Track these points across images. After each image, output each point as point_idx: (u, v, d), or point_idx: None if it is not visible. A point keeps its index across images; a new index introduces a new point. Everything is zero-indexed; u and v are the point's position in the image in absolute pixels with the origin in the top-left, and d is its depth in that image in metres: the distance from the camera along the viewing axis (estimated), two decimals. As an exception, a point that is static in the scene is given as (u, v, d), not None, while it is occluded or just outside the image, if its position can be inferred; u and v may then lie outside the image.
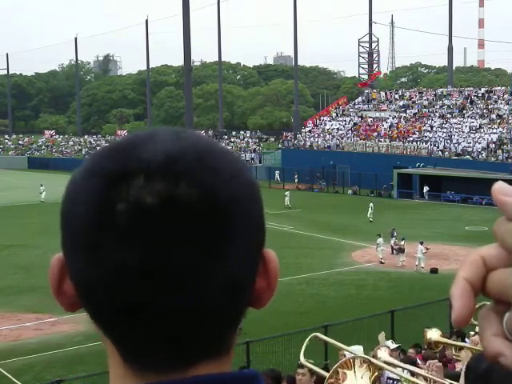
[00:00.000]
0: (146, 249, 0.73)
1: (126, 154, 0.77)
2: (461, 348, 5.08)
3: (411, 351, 11.94)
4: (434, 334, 4.16)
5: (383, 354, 4.17)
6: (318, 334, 3.60)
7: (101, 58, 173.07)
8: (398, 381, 5.22)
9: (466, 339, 9.78)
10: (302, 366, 8.31)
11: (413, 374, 4.33)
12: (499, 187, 0.64)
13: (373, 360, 2.90)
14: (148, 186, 0.74)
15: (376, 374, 2.70)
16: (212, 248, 0.76)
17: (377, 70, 79.53)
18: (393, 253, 29.99)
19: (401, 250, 29.36)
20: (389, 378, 5.81)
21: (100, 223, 0.74)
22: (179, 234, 0.74)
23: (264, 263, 0.84)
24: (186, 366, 0.79)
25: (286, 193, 47.66)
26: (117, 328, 0.78)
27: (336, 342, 3.57)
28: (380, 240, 29.47)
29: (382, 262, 29.37)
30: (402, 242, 29.45)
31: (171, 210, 0.73)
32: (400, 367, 4.38)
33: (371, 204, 40.44)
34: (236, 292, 0.79)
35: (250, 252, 0.80)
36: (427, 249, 28.32)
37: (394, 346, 9.86)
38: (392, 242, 30.17)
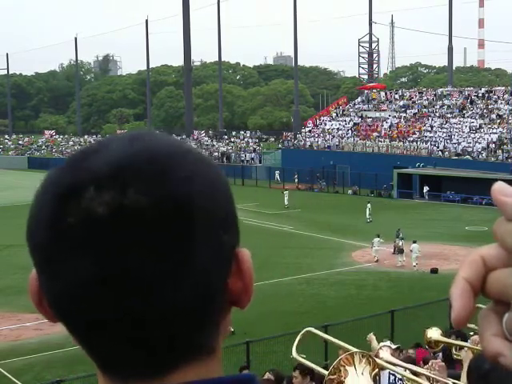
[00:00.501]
0: (99, 258, 0.73)
1: (77, 165, 0.77)
2: (461, 347, 5.08)
3: (411, 352, 11.95)
4: (434, 334, 4.16)
5: (385, 353, 4.17)
6: (312, 329, 3.59)
7: (101, 58, 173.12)
8: (400, 380, 5.23)
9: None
10: (294, 369, 8.38)
11: (416, 373, 4.33)
12: (499, 187, 0.64)
13: (371, 354, 2.89)
14: (97, 196, 0.73)
15: (376, 368, 2.69)
16: (169, 252, 0.74)
17: (377, 70, 79.47)
18: (395, 252, 29.99)
19: (400, 251, 29.38)
20: (391, 373, 5.81)
21: (54, 237, 0.75)
22: (131, 241, 0.73)
23: (237, 264, 0.82)
24: (164, 371, 0.79)
25: (285, 192, 47.66)
26: (86, 339, 0.78)
27: (331, 337, 3.56)
28: (375, 240, 29.48)
29: (376, 261, 29.37)
30: (401, 243, 29.47)
31: (121, 218, 0.73)
32: (402, 367, 4.37)
33: (368, 205, 40.45)
34: (203, 293, 0.78)
35: (216, 253, 0.79)
36: (410, 250, 28.71)
37: (393, 346, 9.86)
38: (397, 241, 30.18)
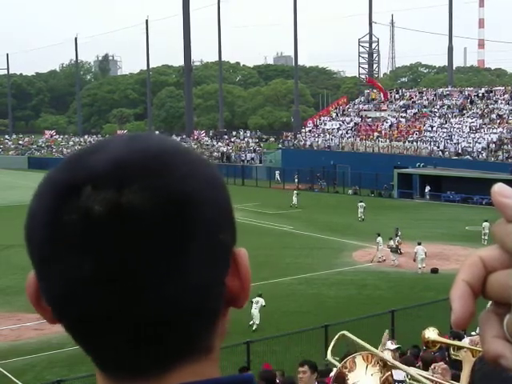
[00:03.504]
0: (95, 257, 0.74)
1: (76, 164, 0.77)
2: (459, 348, 5.07)
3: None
4: (431, 334, 4.15)
5: (387, 357, 4.16)
6: (346, 333, 3.60)
7: (101, 58, 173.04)
8: (403, 382, 5.22)
9: (466, 338, 9.78)
10: (302, 364, 8.32)
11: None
12: (499, 189, 0.64)
13: (389, 363, 2.90)
14: (95, 194, 0.74)
15: (386, 375, 2.70)
16: (166, 250, 0.75)
17: (377, 70, 79.41)
18: (392, 251, 29.96)
19: (395, 250, 29.30)
20: (394, 380, 5.81)
21: (52, 236, 0.75)
22: (128, 240, 0.74)
23: (235, 263, 0.83)
24: (161, 371, 0.79)
25: (295, 192, 47.83)
26: (84, 338, 0.79)
27: (362, 341, 3.56)
28: (380, 239, 29.50)
29: (379, 261, 29.38)
30: (395, 242, 29.41)
31: (118, 216, 0.73)
32: (404, 370, 4.37)
33: (361, 203, 40.52)
34: (200, 292, 0.78)
35: (213, 252, 0.79)
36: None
37: (393, 346, 9.86)
38: (396, 241, 30.15)
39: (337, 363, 3.52)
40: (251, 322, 20.39)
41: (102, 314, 0.75)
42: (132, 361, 0.78)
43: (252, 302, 20.29)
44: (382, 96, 70.73)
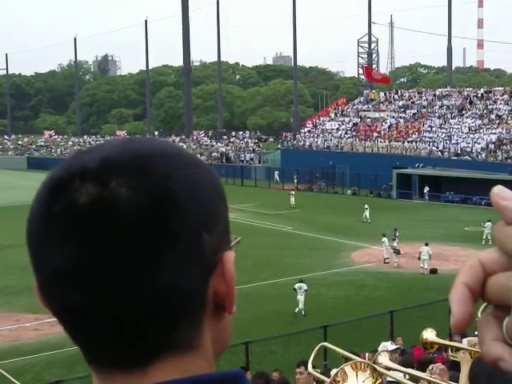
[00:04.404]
0: (77, 247, 0.76)
1: (70, 162, 0.82)
2: (457, 349, 5.08)
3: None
4: (429, 335, 4.16)
5: (384, 359, 4.16)
6: (326, 344, 3.62)
7: (100, 59, 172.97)
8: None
9: (463, 340, 9.77)
10: (299, 365, 8.32)
11: (416, 379, 4.33)
12: (498, 191, 0.64)
13: (377, 367, 2.91)
14: (81, 187, 0.77)
15: (379, 381, 2.70)
16: (143, 245, 0.77)
17: (376, 69, 79.36)
18: (394, 252, 29.97)
19: (396, 251, 29.35)
20: (389, 382, 5.81)
21: (43, 226, 0.79)
22: (108, 232, 0.76)
23: (221, 266, 0.83)
24: (144, 365, 0.80)
25: (292, 192, 48.02)
26: (70, 330, 0.82)
27: (344, 351, 3.57)
28: (385, 239, 29.52)
29: (386, 262, 29.37)
30: (395, 243, 29.44)
31: (100, 208, 0.76)
32: (402, 372, 4.38)
33: (366, 205, 40.49)
34: (178, 288, 0.79)
35: (193, 250, 0.80)
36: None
37: (393, 347, 9.87)
38: (394, 242, 30.17)
39: (319, 375, 3.53)
40: (296, 310, 21.67)
41: (82, 306, 0.77)
42: (114, 354, 0.80)
43: (295, 290, 21.84)
44: (381, 96, 70.74)
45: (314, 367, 3.79)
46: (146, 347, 0.80)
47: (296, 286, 22.05)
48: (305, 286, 21.89)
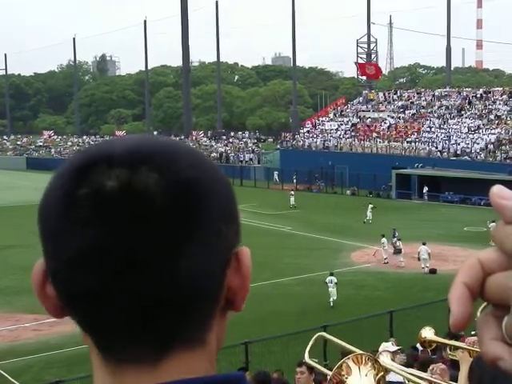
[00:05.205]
0: (102, 230, 0.76)
1: (92, 149, 0.82)
2: (456, 348, 5.09)
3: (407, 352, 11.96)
4: (428, 333, 4.17)
5: (385, 359, 4.17)
6: (324, 334, 3.63)
7: (99, 59, 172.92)
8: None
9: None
10: (300, 365, 8.31)
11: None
12: (498, 191, 0.64)
13: (378, 359, 2.92)
14: (108, 172, 0.77)
15: (381, 373, 2.71)
16: (171, 231, 0.77)
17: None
18: (394, 253, 30.01)
19: (398, 251, 29.40)
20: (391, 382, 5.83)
21: (65, 210, 0.78)
22: (137, 217, 0.76)
23: (237, 260, 0.84)
24: (157, 356, 0.80)
25: (291, 192, 48.17)
26: (80, 318, 0.81)
27: (342, 342, 3.58)
28: (384, 240, 29.56)
29: (385, 262, 29.40)
30: (398, 243, 29.50)
31: (129, 193, 0.76)
32: (403, 371, 4.38)
33: (370, 205, 40.50)
34: (198, 278, 0.79)
35: (214, 241, 0.81)
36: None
37: (394, 348, 9.85)
38: (393, 242, 30.22)
39: (315, 364, 3.53)
40: (331, 301, 22.92)
41: (97, 291, 0.77)
42: (127, 343, 0.79)
43: (326, 283, 23.14)
44: (380, 96, 70.77)
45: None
46: (159, 336, 0.79)
47: (327, 279, 23.41)
48: (335, 279, 23.23)
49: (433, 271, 27.46)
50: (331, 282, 23.18)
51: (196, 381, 0.80)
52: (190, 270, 0.78)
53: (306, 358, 3.38)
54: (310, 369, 8.13)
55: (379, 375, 2.69)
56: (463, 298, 0.64)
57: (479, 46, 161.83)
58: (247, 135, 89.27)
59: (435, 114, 63.28)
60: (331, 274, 23.62)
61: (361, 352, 2.81)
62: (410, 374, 4.26)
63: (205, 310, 0.82)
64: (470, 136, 56.14)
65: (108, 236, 0.76)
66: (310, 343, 3.46)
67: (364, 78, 78.78)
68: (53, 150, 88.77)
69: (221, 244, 0.82)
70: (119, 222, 0.76)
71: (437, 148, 55.89)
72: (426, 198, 49.41)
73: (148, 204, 0.76)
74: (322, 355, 14.20)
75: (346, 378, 2.65)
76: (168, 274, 0.77)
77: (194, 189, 0.79)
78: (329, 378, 2.76)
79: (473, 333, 8.15)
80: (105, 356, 0.81)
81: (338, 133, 65.78)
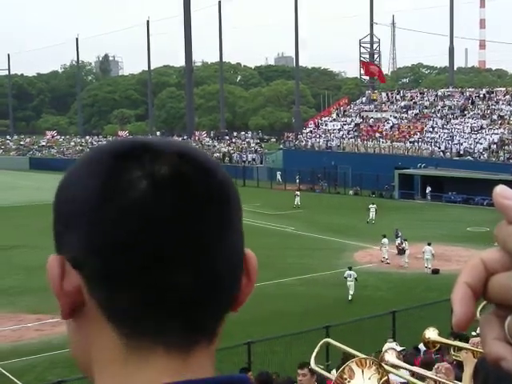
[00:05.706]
0: (140, 222, 0.76)
1: (131, 140, 0.82)
2: (460, 348, 5.08)
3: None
4: (431, 334, 4.16)
5: (391, 357, 4.16)
6: (330, 340, 3.63)
7: (101, 59, 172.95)
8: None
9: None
10: (302, 367, 8.29)
11: (422, 377, 4.33)
12: (501, 190, 0.64)
13: (382, 364, 2.91)
14: (157, 160, 0.78)
15: (385, 378, 2.70)
16: (207, 228, 0.80)
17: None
18: (399, 253, 29.98)
19: (402, 251, 29.38)
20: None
21: (111, 195, 0.77)
22: (186, 204, 0.78)
23: (245, 260, 0.87)
24: (189, 346, 0.80)
25: (297, 193, 48.23)
26: (122, 296, 0.78)
27: (347, 347, 3.57)
28: (385, 240, 29.53)
29: (387, 263, 29.37)
30: (404, 243, 29.49)
31: (179, 180, 0.78)
32: (409, 370, 4.37)
33: (374, 205, 40.44)
34: (233, 270, 0.83)
35: (240, 238, 0.85)
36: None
37: (398, 348, 9.85)
38: (397, 242, 30.17)
39: (322, 371, 3.53)
40: (350, 294, 23.66)
41: (135, 280, 0.77)
42: (162, 326, 0.79)
43: (345, 278, 23.91)
44: (383, 96, 70.72)
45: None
46: (191, 324, 0.80)
47: (346, 273, 24.01)
48: (354, 274, 23.78)
49: (435, 271, 27.44)
50: (350, 277, 23.74)
51: (198, 382, 0.80)
52: (222, 265, 0.81)
53: (312, 365, 3.37)
54: (312, 371, 8.12)
55: (383, 379, 2.68)
56: (466, 298, 0.64)
57: (482, 45, 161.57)
58: (250, 135, 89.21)
59: (438, 114, 63.23)
60: (350, 269, 24.15)
61: (365, 356, 2.80)
62: (415, 372, 4.25)
63: (225, 305, 0.84)
64: (473, 136, 56.08)
65: (158, 221, 0.76)
66: (316, 349, 3.45)
67: (367, 78, 78.73)
68: (56, 151, 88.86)
69: (241, 244, 0.85)
70: (169, 208, 0.77)
71: (440, 148, 55.84)
72: (428, 198, 49.36)
73: (193, 197, 0.79)
74: (325, 356, 14.18)
75: (349, 381, 2.64)
76: (202, 267, 0.79)
77: (228, 188, 0.83)
78: (332, 382, 2.76)
79: (474, 333, 8.14)
80: (130, 342, 0.79)
81: (341, 133, 65.75)
